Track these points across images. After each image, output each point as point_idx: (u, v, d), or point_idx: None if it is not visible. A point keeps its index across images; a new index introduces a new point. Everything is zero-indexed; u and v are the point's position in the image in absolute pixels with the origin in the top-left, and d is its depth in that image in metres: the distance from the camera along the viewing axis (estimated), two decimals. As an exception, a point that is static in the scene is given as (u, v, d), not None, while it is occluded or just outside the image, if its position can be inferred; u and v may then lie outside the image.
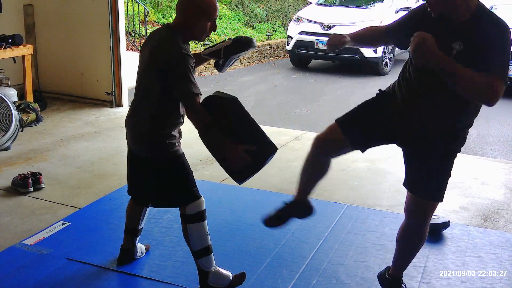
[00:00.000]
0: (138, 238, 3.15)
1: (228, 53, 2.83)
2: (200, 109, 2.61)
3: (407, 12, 2.69)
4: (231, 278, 2.91)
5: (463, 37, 2.31)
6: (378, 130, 2.65)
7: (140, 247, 3.20)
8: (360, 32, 2.83)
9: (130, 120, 2.83)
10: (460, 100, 2.39)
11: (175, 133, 2.78)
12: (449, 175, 2.59)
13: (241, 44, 2.83)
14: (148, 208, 3.10)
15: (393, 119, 2.59)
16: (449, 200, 4.20)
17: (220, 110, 2.66)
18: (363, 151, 2.72)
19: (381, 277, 2.94)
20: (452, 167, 2.59)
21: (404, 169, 2.69)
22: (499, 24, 2.30)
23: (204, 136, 2.66)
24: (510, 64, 2.57)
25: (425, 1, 2.38)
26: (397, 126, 2.59)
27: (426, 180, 2.56)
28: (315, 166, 2.77)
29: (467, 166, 5.02)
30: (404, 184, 2.67)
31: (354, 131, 2.65)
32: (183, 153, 2.83)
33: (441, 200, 2.61)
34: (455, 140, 2.53)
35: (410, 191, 2.63)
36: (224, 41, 2.88)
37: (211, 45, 2.88)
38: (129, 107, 2.89)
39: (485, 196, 4.35)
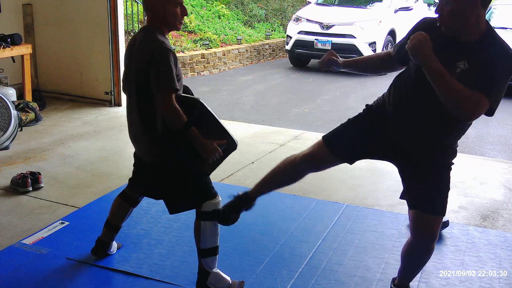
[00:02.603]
0: (115, 235, 3.19)
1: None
2: (175, 108, 2.57)
3: (410, 30, 2.58)
4: (230, 283, 2.90)
5: (469, 57, 2.30)
6: (366, 145, 2.67)
7: (114, 243, 3.24)
8: (363, 58, 2.86)
9: (131, 131, 2.83)
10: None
11: None
12: (449, 188, 2.59)
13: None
14: (133, 208, 3.13)
15: (383, 136, 2.60)
16: (448, 199, 4.20)
17: (187, 109, 2.64)
18: (350, 163, 2.77)
19: None
20: (450, 179, 2.59)
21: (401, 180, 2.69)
22: (506, 49, 2.29)
23: (183, 136, 2.62)
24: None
25: (438, 16, 2.35)
26: (389, 143, 2.59)
27: (433, 196, 2.53)
28: (289, 173, 2.82)
29: (466, 165, 5.02)
30: (403, 198, 2.64)
31: (339, 147, 2.71)
32: None
33: (444, 214, 2.58)
34: (452, 154, 2.55)
35: (416, 208, 2.57)
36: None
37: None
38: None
39: (484, 196, 4.36)
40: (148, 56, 2.61)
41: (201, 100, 2.72)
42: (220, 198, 2.85)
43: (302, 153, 2.78)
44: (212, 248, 2.83)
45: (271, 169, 2.88)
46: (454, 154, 2.58)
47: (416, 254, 2.69)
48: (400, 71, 2.66)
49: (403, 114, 2.52)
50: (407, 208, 2.64)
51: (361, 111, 2.77)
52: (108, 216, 3.13)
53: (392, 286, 2.88)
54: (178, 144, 2.64)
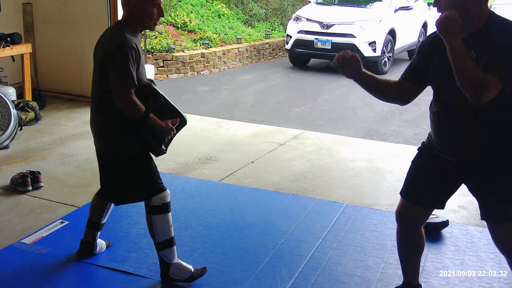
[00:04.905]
0: (99, 233, 3.18)
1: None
2: (133, 101, 2.66)
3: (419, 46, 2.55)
4: (192, 271, 2.95)
5: (476, 47, 2.27)
6: (441, 185, 2.58)
7: (100, 242, 3.23)
8: (383, 79, 2.63)
9: (91, 120, 2.94)
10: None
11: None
12: None
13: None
14: (112, 204, 3.14)
15: (450, 167, 2.49)
16: (448, 199, 4.19)
17: (145, 97, 2.77)
18: (442, 208, 2.66)
19: None
20: None
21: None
22: (510, 29, 2.27)
23: (143, 124, 2.72)
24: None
25: (436, 9, 2.33)
26: (458, 169, 2.49)
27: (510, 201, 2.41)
28: (409, 241, 2.78)
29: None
30: (485, 218, 2.47)
31: (420, 199, 2.62)
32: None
33: None
34: None
35: (501, 221, 2.42)
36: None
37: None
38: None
39: (484, 196, 4.35)
40: (110, 50, 2.68)
41: (153, 85, 2.84)
42: (168, 191, 2.90)
43: (395, 213, 2.75)
44: (167, 239, 2.88)
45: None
46: None
47: None
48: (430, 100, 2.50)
49: (466, 127, 2.39)
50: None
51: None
52: (89, 215, 3.15)
53: None
54: (142, 132, 2.77)
